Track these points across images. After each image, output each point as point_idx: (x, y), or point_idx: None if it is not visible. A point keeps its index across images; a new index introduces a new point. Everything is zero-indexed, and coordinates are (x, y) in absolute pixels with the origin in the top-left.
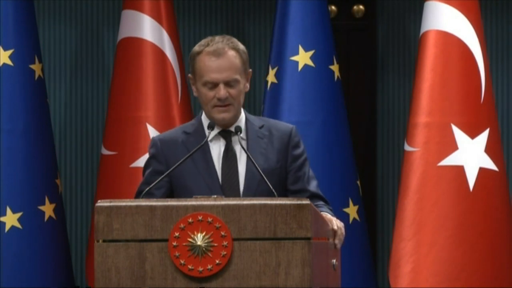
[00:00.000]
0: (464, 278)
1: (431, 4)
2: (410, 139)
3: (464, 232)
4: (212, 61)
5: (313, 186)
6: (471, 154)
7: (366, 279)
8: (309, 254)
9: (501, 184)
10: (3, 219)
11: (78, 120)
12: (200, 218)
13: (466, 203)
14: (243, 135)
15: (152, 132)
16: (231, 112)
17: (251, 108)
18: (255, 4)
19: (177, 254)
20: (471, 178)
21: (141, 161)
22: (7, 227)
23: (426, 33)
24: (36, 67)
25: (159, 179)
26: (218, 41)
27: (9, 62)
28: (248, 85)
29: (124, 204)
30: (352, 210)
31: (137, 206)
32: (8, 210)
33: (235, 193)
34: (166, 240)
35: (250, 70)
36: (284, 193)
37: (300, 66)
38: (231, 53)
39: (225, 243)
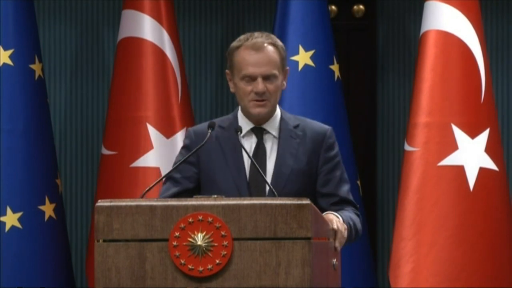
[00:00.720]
0: (464, 278)
1: (431, 4)
2: (410, 139)
3: (464, 232)
4: (251, 55)
5: (343, 190)
6: (471, 154)
7: (366, 279)
8: (309, 254)
9: (501, 184)
10: (3, 219)
11: (78, 120)
12: (200, 218)
13: (466, 203)
14: (275, 132)
15: (152, 132)
16: (267, 107)
17: None
18: (255, 4)
19: (177, 254)
20: (471, 178)
21: (141, 161)
22: (7, 227)
23: (426, 33)
24: (36, 67)
25: (179, 162)
26: (258, 36)
27: (9, 62)
28: (285, 83)
29: (124, 204)
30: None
31: (137, 206)
32: (8, 210)
33: (260, 191)
34: (166, 240)
35: (288, 68)
36: (313, 195)
37: (300, 66)
38: (270, 48)
39: (225, 243)
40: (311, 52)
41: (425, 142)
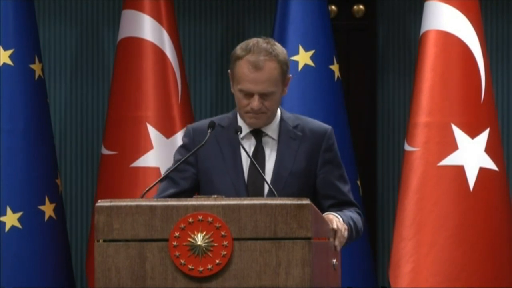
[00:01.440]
0: (464, 278)
1: (431, 4)
2: (410, 139)
3: (464, 232)
4: (250, 72)
5: (343, 191)
6: (471, 154)
7: (366, 279)
8: (309, 254)
9: (501, 184)
10: (3, 219)
11: (78, 120)
12: (200, 218)
13: (466, 203)
14: (275, 135)
15: (152, 132)
16: (263, 120)
17: None
18: (255, 4)
19: (177, 254)
20: (471, 178)
21: (141, 161)
22: (7, 227)
23: (426, 33)
24: (36, 67)
25: (175, 165)
26: (261, 50)
27: (9, 62)
28: (286, 89)
29: (124, 204)
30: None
31: (137, 206)
32: (8, 210)
33: (259, 193)
34: (166, 240)
35: (290, 76)
36: (313, 196)
37: (300, 66)
38: (271, 65)
39: (225, 243)
40: (311, 52)
41: (425, 142)
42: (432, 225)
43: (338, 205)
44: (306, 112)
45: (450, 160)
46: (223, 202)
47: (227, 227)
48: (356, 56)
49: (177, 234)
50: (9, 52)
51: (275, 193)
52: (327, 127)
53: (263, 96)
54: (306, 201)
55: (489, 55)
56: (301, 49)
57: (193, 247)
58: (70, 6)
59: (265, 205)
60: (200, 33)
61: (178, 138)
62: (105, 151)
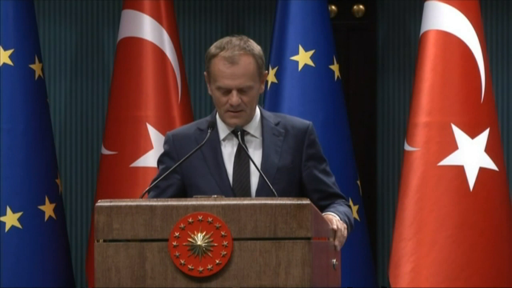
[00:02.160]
0: (464, 278)
1: (431, 4)
2: (410, 139)
3: (464, 232)
4: (226, 67)
5: (329, 184)
6: (471, 154)
7: (366, 279)
8: (309, 254)
9: (501, 184)
10: (3, 219)
11: (78, 120)
12: (200, 218)
13: (466, 203)
14: (257, 133)
15: (152, 132)
16: (243, 117)
17: None
18: (255, 4)
19: (177, 254)
20: (471, 178)
21: (141, 161)
22: (7, 227)
23: (426, 33)
24: (36, 67)
25: (163, 175)
26: (235, 45)
27: (9, 62)
28: (263, 86)
29: (124, 204)
30: (352, 210)
31: (137, 206)
32: (8, 210)
33: (245, 193)
34: (166, 240)
35: (266, 72)
36: (299, 192)
37: (300, 66)
38: (246, 59)
39: (225, 243)
40: (311, 52)
41: (425, 142)
42: (432, 225)
43: (327, 199)
44: (306, 112)
45: (450, 160)
46: (223, 202)
47: (227, 227)
48: (356, 56)
49: (177, 234)
50: (9, 52)
51: (271, 187)
52: (308, 122)
53: (241, 91)
54: (306, 201)
55: (489, 55)
56: (301, 49)
57: (193, 247)
58: (70, 6)
59: (265, 205)
60: (200, 33)
61: None
62: (105, 151)
